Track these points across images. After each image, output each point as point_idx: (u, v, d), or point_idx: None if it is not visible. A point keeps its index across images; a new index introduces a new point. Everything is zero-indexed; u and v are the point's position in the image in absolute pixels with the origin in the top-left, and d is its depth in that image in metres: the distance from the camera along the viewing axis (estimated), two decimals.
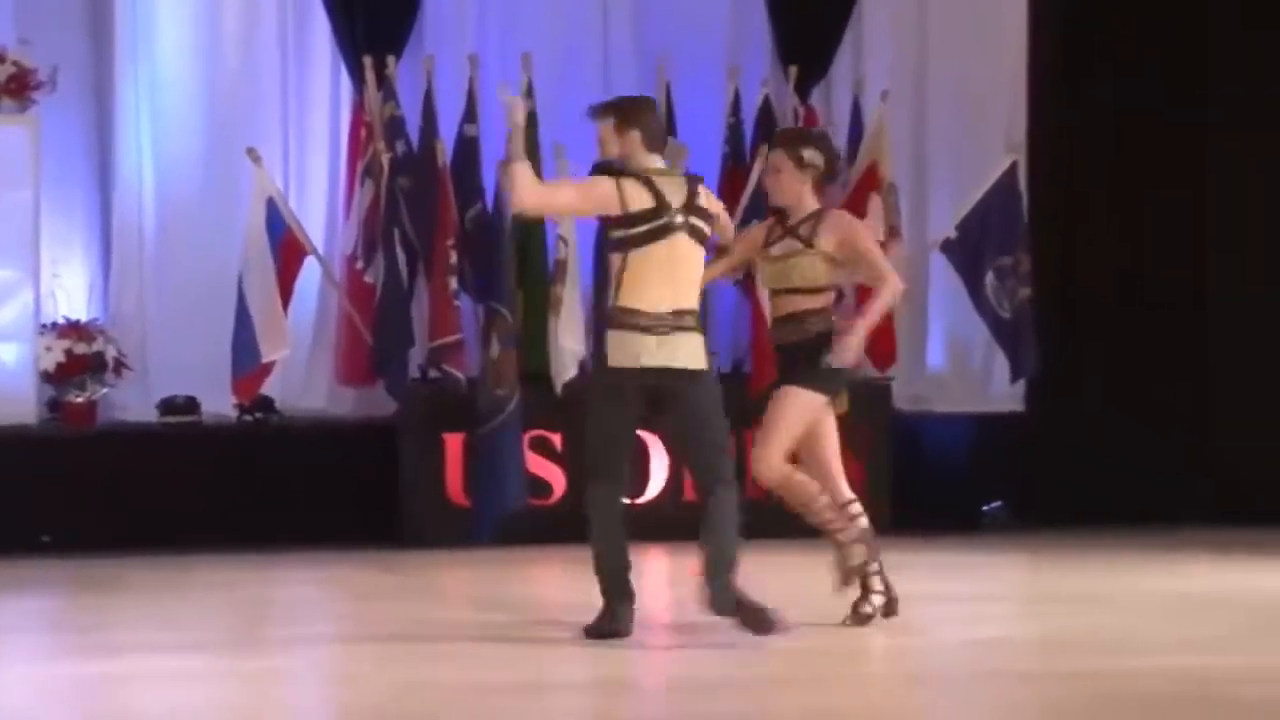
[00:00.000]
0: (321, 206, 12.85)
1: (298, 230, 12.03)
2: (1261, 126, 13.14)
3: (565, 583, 10.42)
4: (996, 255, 12.63)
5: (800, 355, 8.50)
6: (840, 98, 13.33)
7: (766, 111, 12.85)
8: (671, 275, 8.09)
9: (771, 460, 8.44)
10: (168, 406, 12.41)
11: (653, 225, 8.06)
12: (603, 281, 9.98)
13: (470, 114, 12.18)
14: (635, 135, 8.20)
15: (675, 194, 8.14)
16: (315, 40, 12.89)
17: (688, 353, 8.08)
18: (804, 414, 8.49)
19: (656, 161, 8.25)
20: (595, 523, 8.17)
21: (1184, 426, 13.15)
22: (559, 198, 8.68)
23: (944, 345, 13.52)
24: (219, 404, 12.33)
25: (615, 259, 8.15)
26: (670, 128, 12.56)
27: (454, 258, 11.90)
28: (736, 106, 12.77)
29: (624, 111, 8.26)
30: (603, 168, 8.35)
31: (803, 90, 12.99)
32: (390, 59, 12.24)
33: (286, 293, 11.97)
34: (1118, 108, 13.34)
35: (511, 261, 11.95)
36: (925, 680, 7.71)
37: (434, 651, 8.14)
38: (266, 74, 12.88)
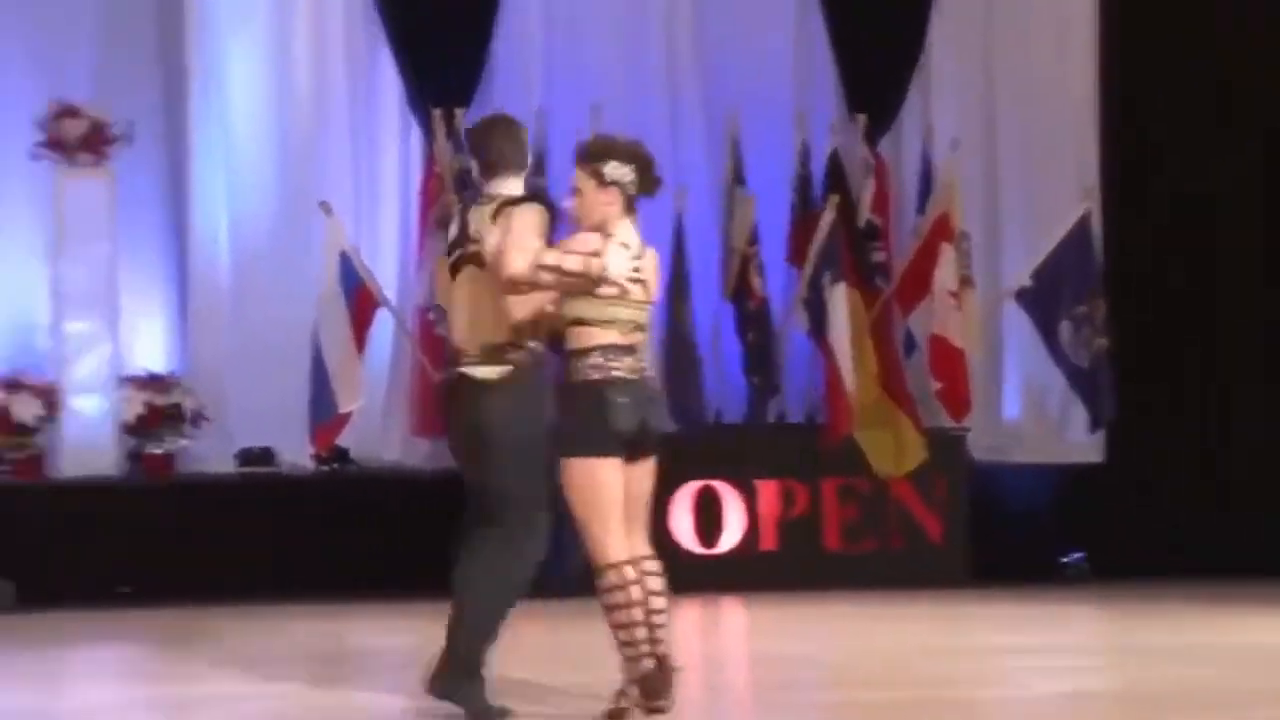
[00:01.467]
0: (393, 258, 12.82)
1: (370, 282, 11.93)
2: None
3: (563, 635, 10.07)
4: (1072, 304, 12.37)
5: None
6: (910, 146, 13.20)
7: (835, 161, 12.71)
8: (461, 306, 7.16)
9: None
10: (246, 457, 12.39)
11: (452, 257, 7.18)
12: None
13: (539, 166, 11.91)
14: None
15: (477, 222, 7.09)
16: (385, 94, 12.95)
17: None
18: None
19: (496, 187, 7.12)
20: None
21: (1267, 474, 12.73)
22: None
23: (1020, 395, 13.25)
24: (296, 454, 12.25)
25: None
26: (738, 177, 12.61)
27: None
28: (805, 156, 12.65)
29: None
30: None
31: (871, 139, 12.84)
32: (459, 112, 12.20)
33: (360, 344, 11.85)
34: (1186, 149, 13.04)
35: None
36: None
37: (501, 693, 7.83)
38: (337, 127, 12.87)
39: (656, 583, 7.03)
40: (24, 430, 11.85)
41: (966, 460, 12.44)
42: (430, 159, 12.30)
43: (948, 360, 12.17)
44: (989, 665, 8.36)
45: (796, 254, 12.44)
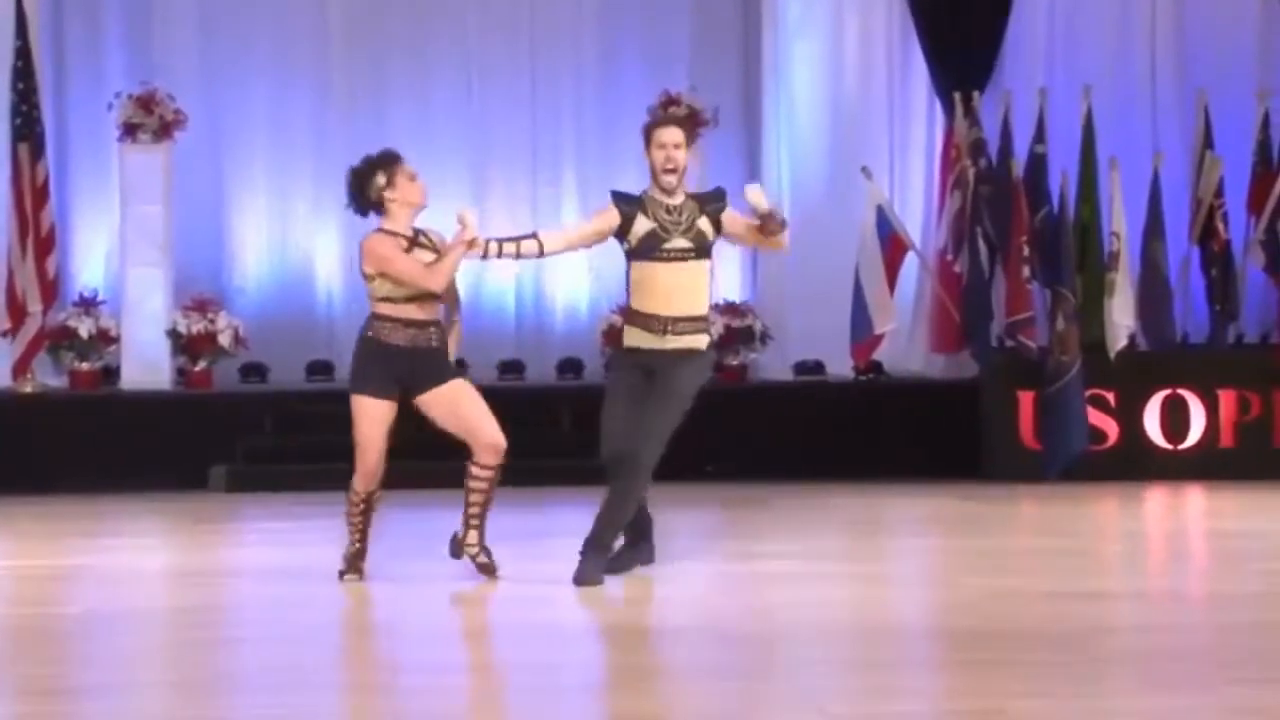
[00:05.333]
0: (919, 212, 13.02)
1: (901, 231, 12.31)
2: None
3: (1121, 512, 10.47)
4: None
5: None
6: None
7: None
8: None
9: None
10: (801, 368, 12.71)
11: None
12: None
13: (1039, 136, 12.30)
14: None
15: None
16: (916, 79, 13.08)
17: None
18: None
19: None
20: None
21: None
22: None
23: None
24: (841, 367, 12.54)
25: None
26: (1208, 142, 12.47)
27: (1026, 250, 11.92)
28: (1265, 124, 12.48)
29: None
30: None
31: None
32: (975, 94, 12.42)
33: (892, 280, 12.21)
34: None
35: (1073, 252, 12.02)
36: None
37: (1012, 565, 8.27)
38: (877, 108, 13.12)
39: None
40: None
41: None
42: (949, 133, 12.50)
43: None
44: None
45: (1255, 204, 12.35)
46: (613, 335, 12.55)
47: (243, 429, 11.93)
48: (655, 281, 7.61)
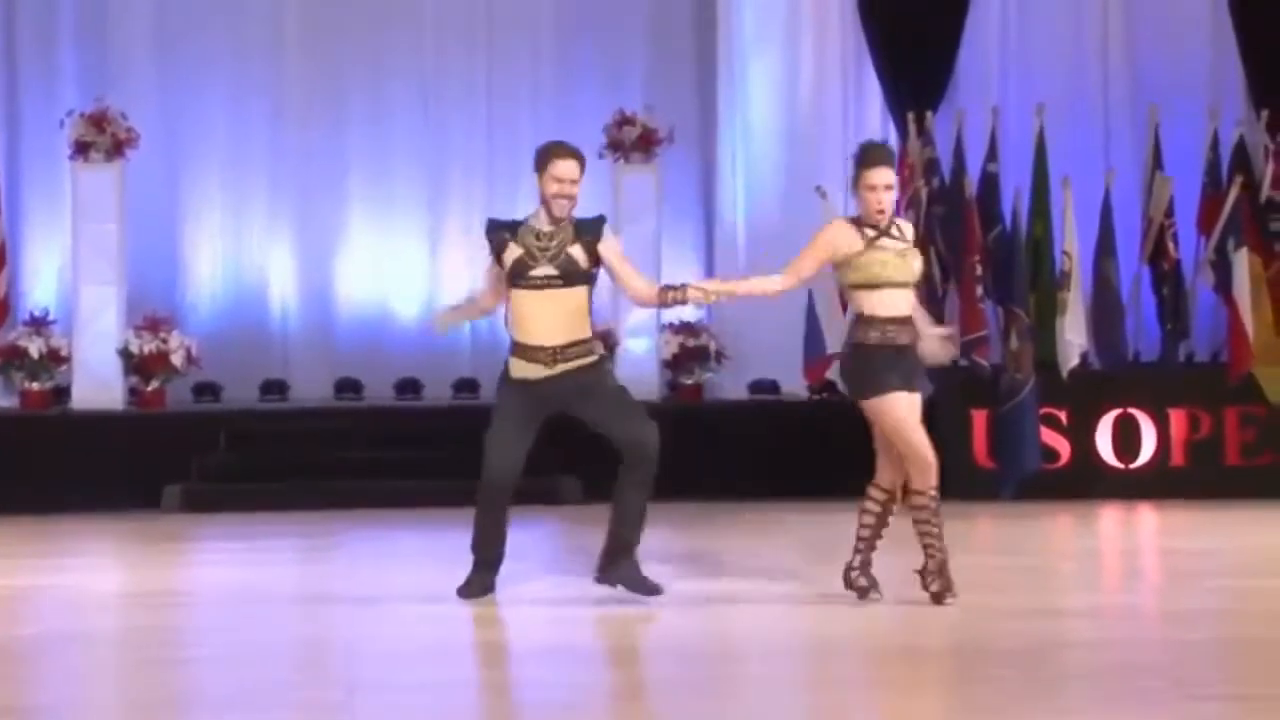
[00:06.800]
0: None
1: None
2: None
3: (1075, 530, 10.50)
4: None
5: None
6: None
7: (1241, 148, 12.56)
8: None
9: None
10: (756, 387, 12.73)
11: None
12: None
13: (992, 154, 12.35)
14: None
15: None
16: (870, 98, 13.13)
17: None
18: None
19: None
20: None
21: None
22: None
23: None
24: (796, 386, 12.53)
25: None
26: (1158, 162, 12.50)
27: (979, 269, 11.96)
28: (1215, 144, 12.52)
29: None
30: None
31: (1273, 130, 12.58)
32: (928, 113, 12.46)
33: (844, 301, 12.26)
34: None
35: (1026, 271, 12.06)
36: None
37: (967, 583, 8.07)
38: (831, 127, 13.12)
39: None
40: None
41: None
42: (903, 152, 12.29)
43: None
44: None
45: (1205, 224, 12.38)
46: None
47: (196, 448, 11.86)
48: (530, 310, 7.47)
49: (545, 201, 7.57)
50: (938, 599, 7.57)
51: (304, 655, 7.00)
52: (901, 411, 7.48)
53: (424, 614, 7.58)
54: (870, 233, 7.50)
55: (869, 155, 7.55)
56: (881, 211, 7.50)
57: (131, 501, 11.43)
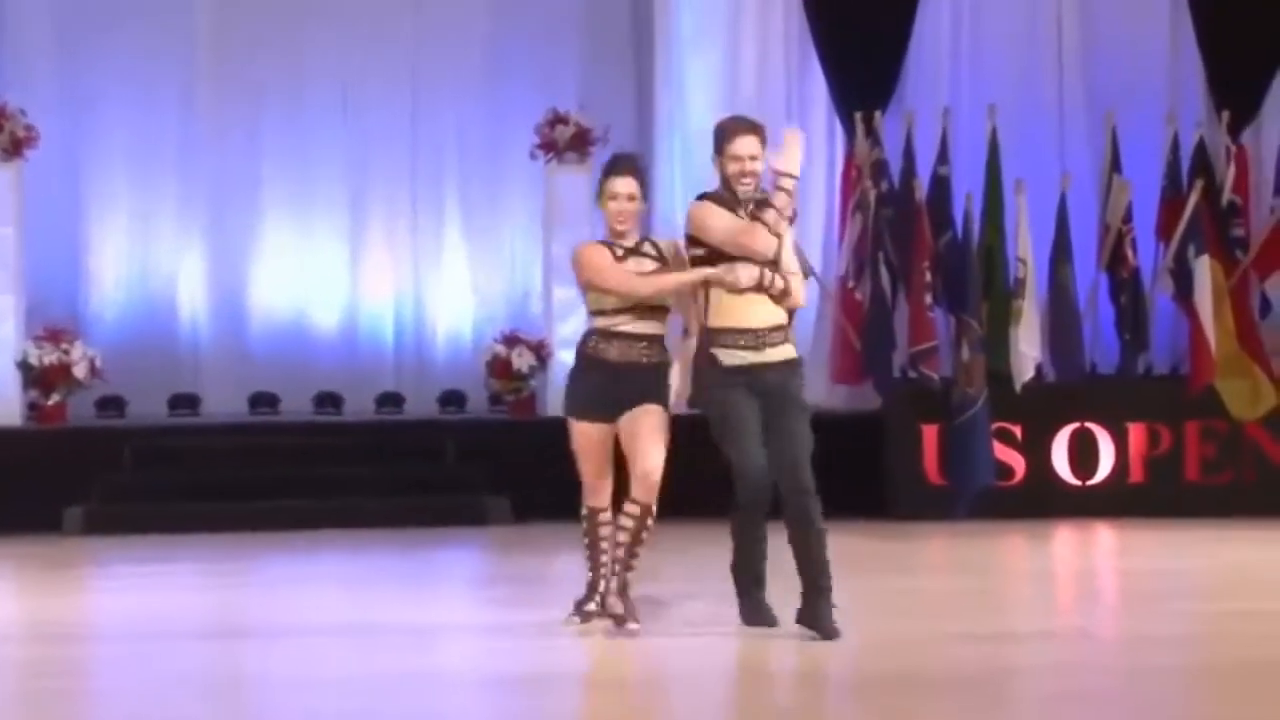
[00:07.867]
0: (819, 236, 12.93)
1: (800, 255, 12.18)
2: None
3: (1030, 550, 10.44)
4: None
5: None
6: (1269, 136, 12.88)
7: (1201, 150, 12.58)
8: None
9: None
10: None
11: None
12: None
13: (943, 157, 12.35)
14: None
15: None
16: (814, 97, 13.02)
17: None
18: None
19: None
20: None
21: None
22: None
23: None
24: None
25: None
26: (1116, 165, 12.49)
27: (929, 276, 11.95)
28: (1174, 147, 12.51)
29: None
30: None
31: (1234, 131, 12.66)
32: (877, 113, 12.40)
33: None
34: None
35: (979, 279, 12.00)
36: None
37: (918, 606, 8.28)
38: (774, 125, 12.65)
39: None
40: (519, 376, 12.22)
41: None
42: (850, 154, 12.45)
43: None
44: None
45: (1164, 230, 12.38)
46: (498, 365, 12.39)
47: (100, 467, 11.64)
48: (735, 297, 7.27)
49: (727, 182, 7.30)
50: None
51: (210, 689, 6.81)
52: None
53: (341, 644, 7.41)
54: (619, 251, 7.42)
55: (613, 165, 7.48)
56: (624, 223, 7.40)
57: (30, 523, 11.19)
